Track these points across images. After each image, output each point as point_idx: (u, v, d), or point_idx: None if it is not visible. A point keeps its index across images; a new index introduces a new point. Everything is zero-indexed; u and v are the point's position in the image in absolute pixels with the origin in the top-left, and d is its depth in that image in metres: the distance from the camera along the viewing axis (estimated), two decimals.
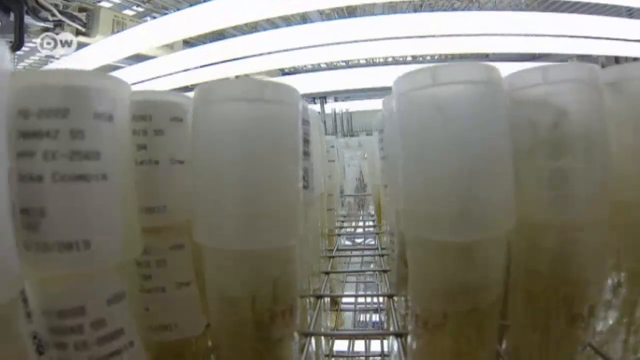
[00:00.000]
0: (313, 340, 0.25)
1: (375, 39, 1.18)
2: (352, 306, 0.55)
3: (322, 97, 2.23)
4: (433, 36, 1.20)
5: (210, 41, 1.23)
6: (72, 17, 1.07)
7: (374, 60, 1.93)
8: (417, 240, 0.16)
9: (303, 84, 1.78)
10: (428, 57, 1.88)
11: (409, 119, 0.15)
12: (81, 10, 1.12)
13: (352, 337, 0.49)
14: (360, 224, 0.78)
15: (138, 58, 1.35)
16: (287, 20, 1.41)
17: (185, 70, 1.38)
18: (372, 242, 0.64)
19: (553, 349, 0.17)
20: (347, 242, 0.63)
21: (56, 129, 0.12)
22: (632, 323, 0.20)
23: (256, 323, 0.16)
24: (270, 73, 1.77)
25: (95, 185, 0.12)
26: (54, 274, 0.13)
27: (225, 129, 0.15)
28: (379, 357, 0.36)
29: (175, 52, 1.29)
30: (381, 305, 0.49)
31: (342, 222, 0.67)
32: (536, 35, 1.22)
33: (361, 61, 1.95)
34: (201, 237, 0.16)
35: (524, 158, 0.16)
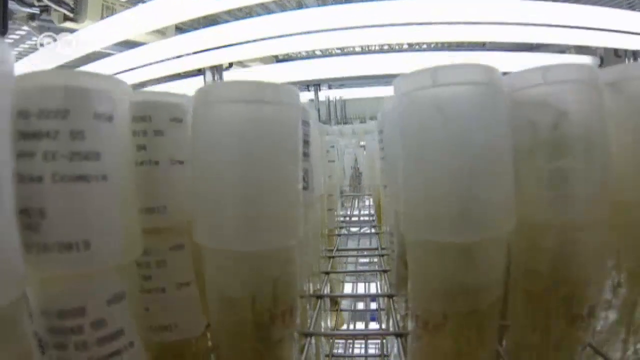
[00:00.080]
0: (313, 341, 0.25)
1: (371, 26, 1.17)
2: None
3: (316, 85, 2.22)
4: (430, 23, 1.20)
5: (203, 27, 1.20)
6: (59, 2, 1.01)
7: (370, 48, 1.92)
8: (417, 240, 0.16)
9: (297, 71, 1.76)
10: (424, 45, 1.87)
11: (409, 119, 0.15)
12: None
13: (352, 337, 0.49)
14: (356, 212, 0.78)
15: (128, 44, 1.31)
16: (282, 6, 1.39)
17: (177, 57, 1.34)
18: (368, 231, 0.65)
19: (553, 349, 0.17)
20: (344, 231, 0.63)
21: (56, 130, 0.12)
22: (632, 323, 0.20)
23: (256, 323, 0.16)
24: (264, 60, 1.75)
25: (95, 186, 0.12)
26: (54, 274, 0.13)
27: (225, 130, 0.15)
28: (379, 358, 0.36)
29: (167, 38, 1.25)
30: (379, 291, 0.49)
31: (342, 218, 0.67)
32: (534, 25, 1.20)
33: (357, 48, 1.93)
34: (201, 238, 0.16)
35: (524, 158, 0.16)
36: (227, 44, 1.22)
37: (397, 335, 0.24)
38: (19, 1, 0.98)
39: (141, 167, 0.17)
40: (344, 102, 2.67)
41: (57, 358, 0.13)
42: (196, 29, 1.22)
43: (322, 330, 0.34)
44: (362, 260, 0.64)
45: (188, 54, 1.33)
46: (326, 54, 1.94)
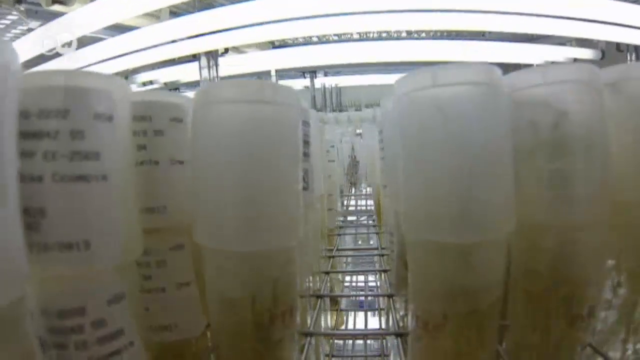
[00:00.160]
0: (313, 340, 0.25)
1: (370, 12, 1.16)
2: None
3: (312, 72, 2.21)
4: (429, 11, 1.18)
5: (198, 11, 1.16)
6: None
7: (368, 35, 1.90)
8: (417, 241, 0.16)
9: (294, 58, 1.74)
10: (423, 34, 1.85)
11: (409, 119, 0.15)
12: None
13: (352, 337, 0.49)
14: (352, 202, 0.78)
15: (120, 29, 1.28)
16: None
17: (171, 42, 1.31)
18: (365, 222, 0.65)
19: (553, 349, 0.17)
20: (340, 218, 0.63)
21: (56, 130, 0.12)
22: (632, 323, 0.20)
23: (256, 323, 0.16)
24: (261, 46, 1.73)
25: (95, 186, 0.12)
26: (54, 273, 0.13)
27: (225, 130, 0.15)
28: (379, 357, 0.37)
29: (160, 22, 1.22)
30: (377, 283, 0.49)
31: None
32: (534, 15, 1.19)
33: (354, 35, 1.91)
34: (201, 238, 0.16)
35: (524, 159, 0.16)
36: (222, 28, 1.18)
37: (397, 335, 0.24)
38: None
39: (141, 167, 0.17)
40: (339, 90, 2.67)
41: (58, 357, 0.13)
42: (191, 12, 1.17)
43: (322, 330, 0.34)
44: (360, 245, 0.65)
45: (182, 39, 1.29)
46: (323, 40, 1.91)
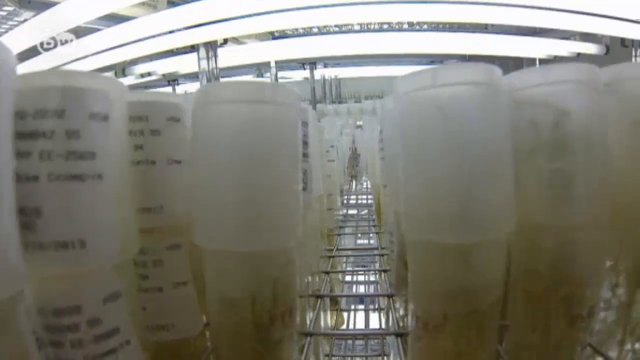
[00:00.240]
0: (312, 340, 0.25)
1: (371, 3, 1.14)
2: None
3: (312, 63, 2.19)
4: (431, 2, 1.17)
5: (196, 0, 1.15)
6: None
7: (369, 26, 1.88)
8: (417, 241, 0.16)
9: (293, 49, 1.72)
10: (425, 26, 1.82)
11: (409, 119, 0.15)
12: None
13: (352, 337, 0.49)
14: (353, 197, 0.78)
15: (116, 19, 1.24)
16: None
17: (169, 32, 1.28)
18: (366, 215, 0.65)
19: (553, 349, 0.17)
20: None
21: (52, 130, 0.12)
22: (630, 323, 0.20)
23: (256, 324, 0.16)
24: (260, 36, 1.71)
25: (90, 185, 0.12)
26: (50, 272, 0.13)
27: (225, 130, 0.15)
28: (379, 357, 0.37)
29: (157, 12, 1.18)
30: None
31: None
32: (538, 8, 1.17)
33: (355, 27, 1.89)
34: (201, 239, 0.16)
35: (524, 159, 0.16)
36: (221, 18, 1.16)
37: (397, 335, 0.24)
38: None
39: (138, 166, 0.17)
40: (339, 81, 2.66)
41: (54, 355, 0.13)
42: (189, 2, 1.13)
43: (322, 330, 0.34)
44: (360, 241, 0.65)
45: (180, 29, 1.27)
46: (323, 31, 1.89)
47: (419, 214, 0.15)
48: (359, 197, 0.81)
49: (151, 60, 1.82)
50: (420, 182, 0.15)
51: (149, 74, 2.00)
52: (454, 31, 1.76)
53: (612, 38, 1.62)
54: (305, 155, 0.20)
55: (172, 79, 2.25)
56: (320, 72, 2.38)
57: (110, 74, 1.84)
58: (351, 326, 0.54)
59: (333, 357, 0.43)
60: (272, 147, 0.15)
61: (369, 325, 0.51)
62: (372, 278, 0.60)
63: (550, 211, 0.16)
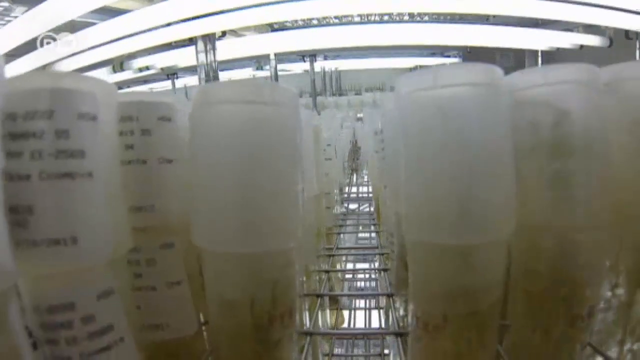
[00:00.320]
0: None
1: None
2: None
3: (312, 55, 2.17)
4: None
5: None
6: None
7: (369, 18, 1.86)
8: (417, 242, 0.16)
9: (293, 41, 1.69)
10: (425, 17, 1.78)
11: (410, 120, 0.15)
12: None
13: (352, 337, 0.49)
14: (354, 189, 0.78)
15: (111, 12, 1.22)
16: None
17: (166, 25, 1.25)
18: (367, 210, 0.65)
19: (553, 349, 0.17)
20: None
21: (42, 130, 0.12)
22: (629, 323, 0.20)
23: (255, 325, 0.16)
24: (259, 29, 1.69)
25: (80, 183, 0.13)
26: (43, 269, 0.13)
27: (224, 131, 0.15)
28: (379, 357, 0.37)
29: (153, 5, 1.15)
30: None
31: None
32: None
33: (355, 18, 1.86)
34: (200, 240, 0.16)
35: (525, 159, 0.16)
36: (219, 10, 1.13)
37: (397, 334, 0.24)
38: None
39: (129, 166, 0.17)
40: (339, 73, 2.64)
41: (50, 353, 0.13)
42: None
43: (322, 329, 0.34)
44: (362, 235, 0.65)
45: (178, 22, 1.24)
46: (323, 23, 1.86)
47: (419, 215, 0.15)
48: (360, 190, 0.81)
49: (149, 54, 1.80)
50: (421, 183, 0.15)
51: (147, 68, 1.99)
52: (455, 22, 1.73)
53: (616, 30, 1.58)
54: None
55: (170, 73, 2.23)
56: (320, 65, 2.36)
57: (107, 68, 1.83)
58: (352, 324, 0.54)
59: (333, 357, 0.43)
60: (272, 147, 0.15)
61: (370, 323, 0.51)
62: (372, 275, 0.60)
63: (550, 211, 0.16)
